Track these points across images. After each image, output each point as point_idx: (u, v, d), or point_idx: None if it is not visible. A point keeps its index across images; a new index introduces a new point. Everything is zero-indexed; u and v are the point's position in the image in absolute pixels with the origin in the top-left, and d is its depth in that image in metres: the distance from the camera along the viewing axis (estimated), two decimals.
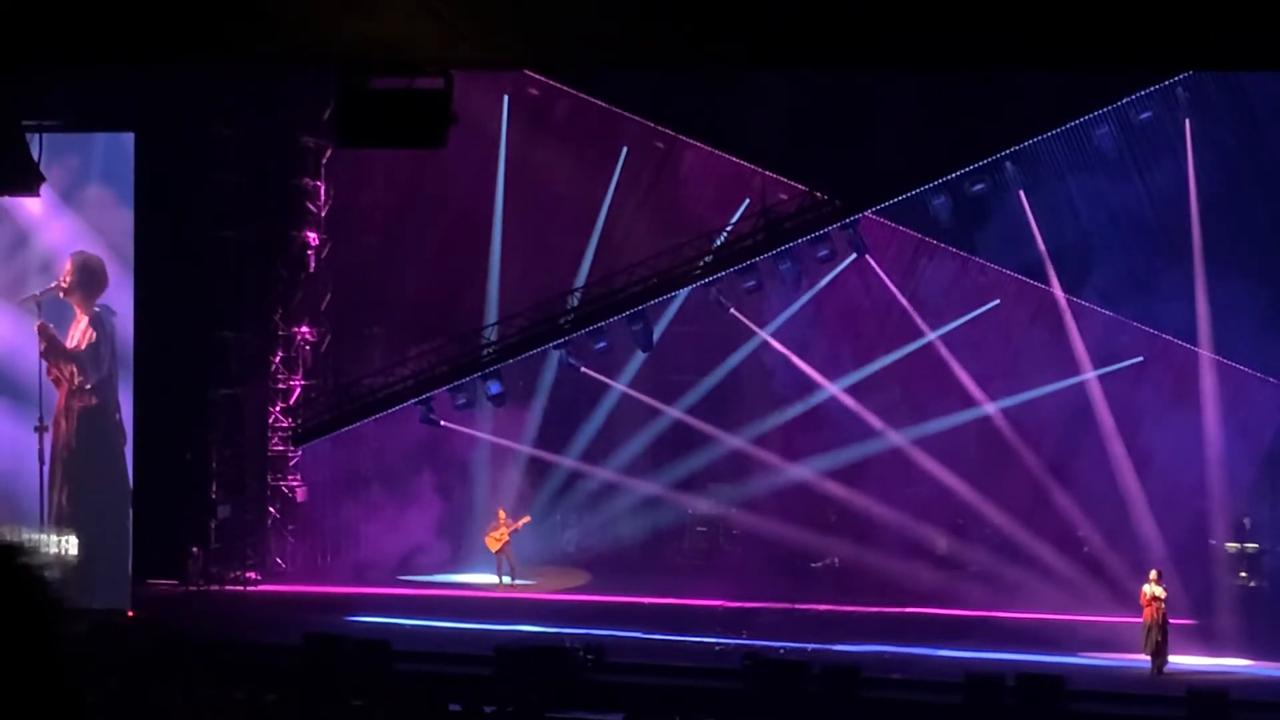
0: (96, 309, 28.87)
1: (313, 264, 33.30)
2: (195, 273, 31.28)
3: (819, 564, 33.14)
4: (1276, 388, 30.14)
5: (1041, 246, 30.91)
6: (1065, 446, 31.54)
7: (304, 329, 33.26)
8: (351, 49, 11.91)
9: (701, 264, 31.65)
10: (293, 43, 12.26)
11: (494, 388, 32.28)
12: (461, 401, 32.45)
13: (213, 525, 31.71)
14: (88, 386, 28.89)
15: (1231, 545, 30.78)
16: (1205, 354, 30.17)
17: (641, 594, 30.73)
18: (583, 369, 32.80)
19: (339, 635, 24.30)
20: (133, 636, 24.14)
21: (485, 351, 32.74)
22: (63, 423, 29.00)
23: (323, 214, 33.29)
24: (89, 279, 28.87)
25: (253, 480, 32.68)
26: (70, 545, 28.38)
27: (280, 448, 33.00)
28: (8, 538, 2.58)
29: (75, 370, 28.89)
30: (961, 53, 12.38)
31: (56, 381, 28.92)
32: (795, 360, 32.93)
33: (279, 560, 32.91)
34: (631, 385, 33.91)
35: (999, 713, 21.54)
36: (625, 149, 33.59)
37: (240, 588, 31.54)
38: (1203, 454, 29.96)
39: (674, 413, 33.88)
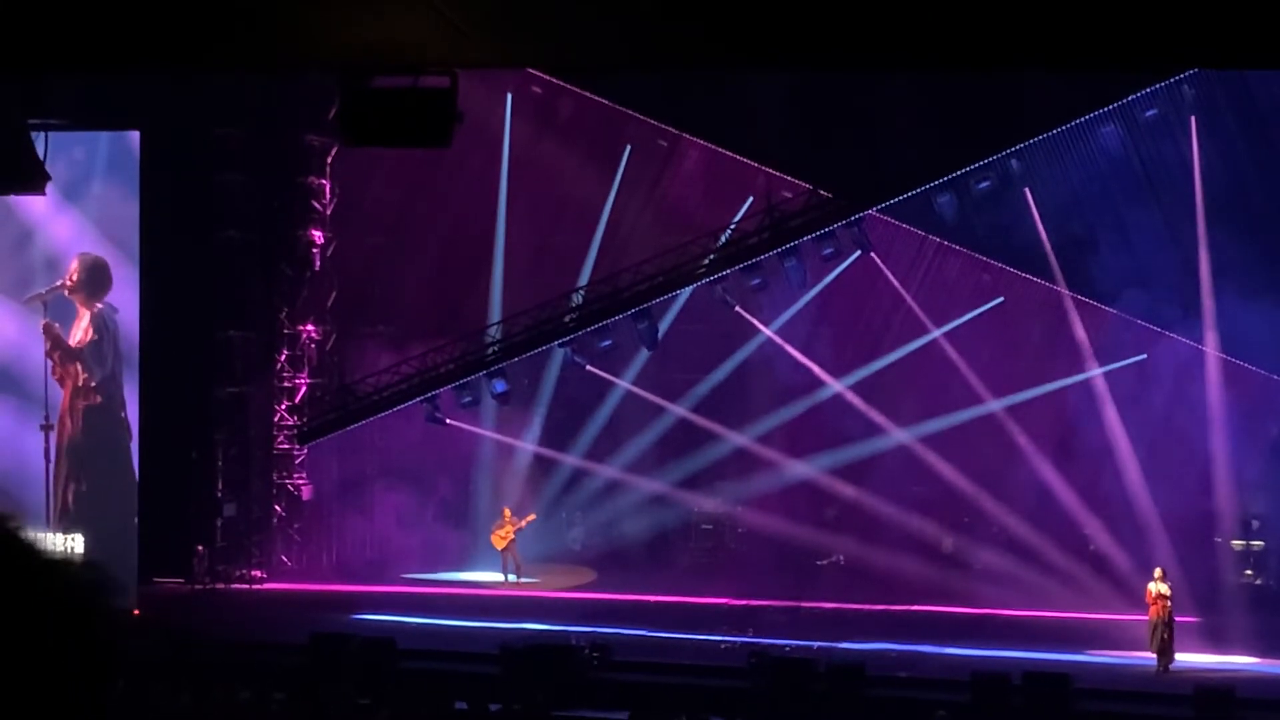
0: (100, 307, 28.89)
1: (318, 262, 33.31)
2: (200, 271, 31.32)
3: (824, 562, 33.13)
4: None
5: (1046, 244, 30.90)
6: (1070, 444, 31.52)
7: (309, 327, 33.26)
8: (356, 51, 11.91)
9: (706, 262, 31.64)
10: (298, 47, 12.27)
11: (499, 386, 32.28)
12: (466, 400, 32.45)
13: (218, 524, 31.74)
14: (92, 385, 28.91)
15: (1237, 543, 30.76)
16: (1211, 351, 30.15)
17: (647, 592, 30.74)
18: (588, 367, 32.79)
19: (345, 634, 24.30)
20: (138, 636, 24.13)
21: (490, 350, 32.75)
22: (68, 421, 29.02)
23: (328, 212, 33.30)
24: (94, 279, 28.88)
25: (258, 479, 32.71)
26: (76, 544, 28.43)
27: (285, 446, 33.02)
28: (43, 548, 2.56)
29: (80, 368, 28.90)
30: (965, 54, 12.37)
31: (61, 380, 28.94)
32: (800, 358, 32.92)
33: (284, 559, 32.93)
34: (636, 383, 33.90)
35: (1005, 711, 21.51)
36: (629, 147, 33.58)
37: (246, 586, 31.58)
38: (1208, 451, 29.95)
39: (679, 410, 33.87)
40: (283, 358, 32.93)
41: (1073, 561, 30.54)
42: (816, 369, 32.86)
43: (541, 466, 34.82)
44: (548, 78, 32.39)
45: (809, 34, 11.31)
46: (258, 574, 31.99)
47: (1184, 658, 24.47)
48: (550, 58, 20.61)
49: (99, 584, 2.44)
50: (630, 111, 32.47)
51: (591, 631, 25.69)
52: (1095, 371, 31.22)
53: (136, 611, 27.72)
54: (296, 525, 33.22)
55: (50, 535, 28.59)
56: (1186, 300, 30.00)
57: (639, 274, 31.86)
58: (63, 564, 2.44)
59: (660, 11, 11.07)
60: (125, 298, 28.90)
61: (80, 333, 28.96)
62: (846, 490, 32.59)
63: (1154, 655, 24.32)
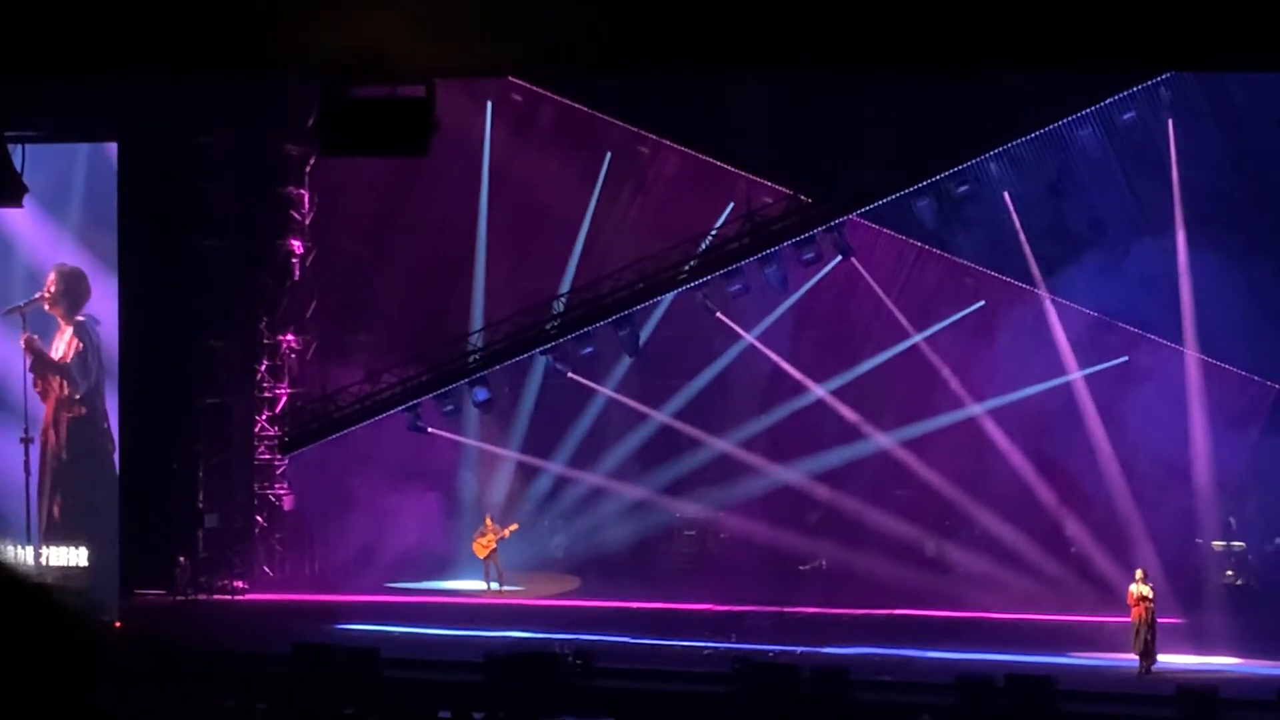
0: (81, 319, 28.84)
1: (297, 272, 33.28)
2: (180, 282, 31.24)
3: (807, 566, 33.14)
4: (1262, 385, 30.21)
5: (1026, 247, 30.96)
6: (1052, 446, 31.56)
7: (289, 337, 33.21)
8: (335, 58, 11.91)
9: (687, 268, 31.66)
10: (275, 53, 12.26)
11: (481, 394, 32.25)
12: (448, 408, 32.42)
13: (200, 534, 31.66)
14: (76, 397, 28.87)
15: (1218, 544, 30.85)
16: (1191, 353, 30.23)
17: (630, 599, 30.71)
18: (569, 374, 32.78)
19: (328, 644, 24.26)
20: (122, 647, 24.07)
21: (471, 358, 32.72)
22: (51, 434, 28.97)
23: (307, 222, 33.26)
24: (72, 290, 28.84)
25: (240, 489, 32.64)
26: (79, 557, 28.54)
27: (267, 456, 32.96)
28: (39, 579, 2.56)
29: (63, 381, 28.85)
30: (946, 56, 12.40)
31: (43, 394, 28.89)
32: (782, 363, 32.94)
33: (267, 569, 32.86)
34: (618, 390, 33.90)
35: (989, 713, 21.55)
36: (609, 154, 33.57)
37: (228, 597, 31.50)
38: (1189, 453, 30.02)
39: (661, 417, 33.87)
40: (263, 368, 32.88)
41: (1055, 563, 30.63)
42: (798, 374, 32.88)
43: (524, 474, 34.80)
44: (527, 86, 32.40)
45: (789, 37, 11.33)
46: (240, 585, 31.91)
47: (1166, 659, 24.53)
48: (529, 66, 20.62)
49: (77, 605, 2.44)
50: (610, 118, 32.47)
51: (575, 639, 25.66)
52: (1076, 374, 31.28)
53: (119, 624, 27.68)
54: (278, 535, 33.16)
55: (45, 549, 28.63)
56: (1166, 302, 30.06)
57: (619, 281, 31.86)
58: (40, 587, 2.44)
59: (640, 18, 11.08)
60: (106, 309, 28.87)
61: (63, 346, 28.91)
62: (829, 495, 32.61)
63: (1136, 657, 24.37)
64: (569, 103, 32.39)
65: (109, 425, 29.01)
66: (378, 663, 23.33)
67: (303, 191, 33.11)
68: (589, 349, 32.16)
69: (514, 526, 32.71)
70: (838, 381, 32.73)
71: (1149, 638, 24.30)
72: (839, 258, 31.34)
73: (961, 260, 31.67)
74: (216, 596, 31.36)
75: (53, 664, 2.39)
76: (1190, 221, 29.90)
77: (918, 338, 32.31)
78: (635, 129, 32.77)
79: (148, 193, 29.73)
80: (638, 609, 29.98)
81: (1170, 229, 30.02)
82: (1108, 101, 29.23)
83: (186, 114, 30.11)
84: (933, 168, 29.90)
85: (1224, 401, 30.17)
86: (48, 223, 28.85)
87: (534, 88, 32.44)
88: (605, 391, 33.97)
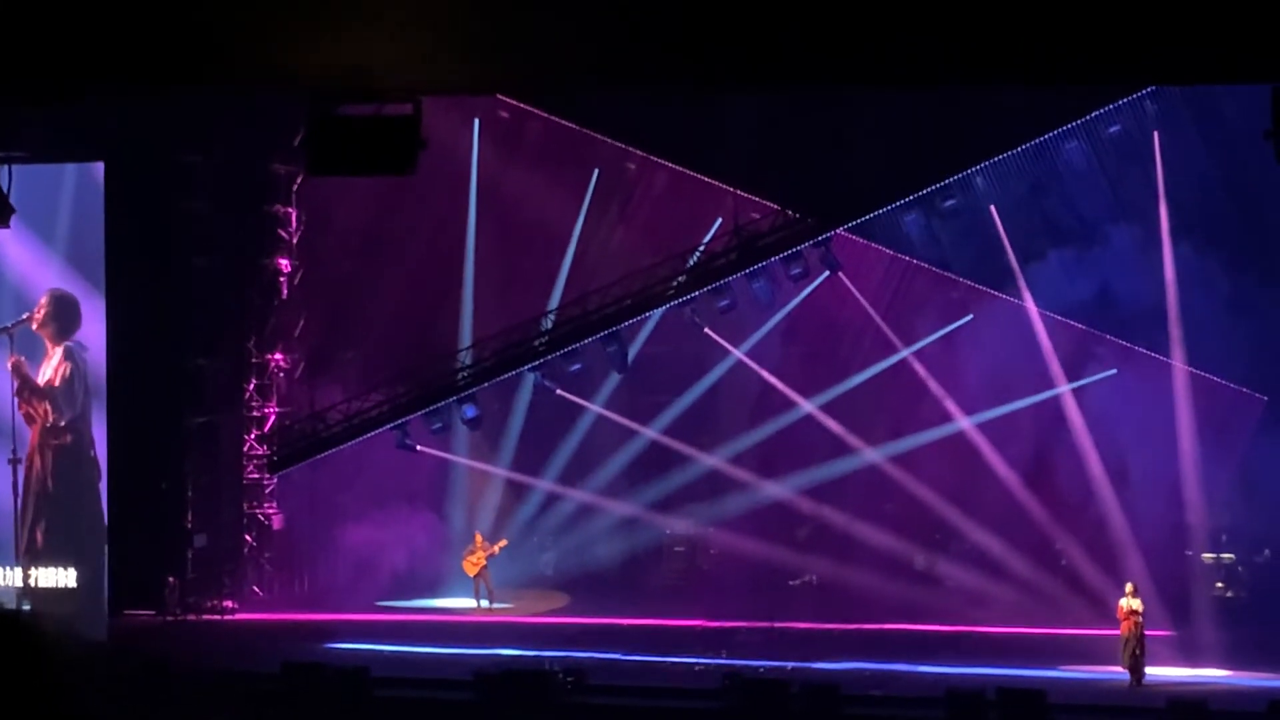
0: (70, 345, 28.74)
1: (285, 290, 33.23)
2: (168, 301, 31.20)
3: (797, 582, 33.12)
4: (1250, 397, 30.24)
5: (1013, 261, 31.00)
6: (1041, 460, 31.58)
7: (277, 356, 33.17)
8: (322, 77, 11.91)
9: (675, 284, 31.66)
10: (263, 71, 12.25)
11: (469, 411, 32.22)
12: (437, 426, 32.39)
13: (189, 555, 31.58)
14: (61, 424, 28.76)
15: (1208, 556, 30.86)
16: (1178, 365, 30.26)
17: (620, 615, 30.66)
18: (558, 391, 32.76)
19: (318, 663, 24.19)
20: (112, 666, 24.00)
21: (460, 375, 32.69)
22: (36, 460, 28.84)
23: (295, 240, 33.23)
24: (63, 315, 28.75)
25: (228, 509, 32.56)
26: (67, 578, 28.53)
27: (255, 475, 32.89)
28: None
29: (49, 408, 28.75)
30: (929, 70, 12.42)
31: (29, 418, 28.77)
32: (770, 379, 32.95)
33: (256, 588, 32.79)
34: (607, 406, 33.89)
35: None
36: (597, 170, 33.60)
37: (217, 617, 31.42)
38: (1178, 465, 30.04)
39: (650, 433, 33.84)
40: (251, 387, 32.82)
41: (1045, 577, 30.61)
42: (787, 389, 32.88)
43: (513, 491, 34.76)
44: (515, 103, 32.41)
45: (781, 51, 11.34)
46: (229, 604, 31.83)
47: (1157, 671, 24.53)
48: (517, 83, 20.62)
49: (56, 631, 2.44)
50: (598, 135, 32.49)
51: (565, 656, 25.64)
52: (1065, 387, 31.31)
53: (108, 644, 27.59)
54: (268, 555, 33.09)
55: (33, 570, 28.57)
56: (1154, 315, 30.11)
57: (608, 297, 31.86)
58: (10, 617, 2.43)
59: (627, 34, 11.08)
60: (93, 330, 28.78)
61: (50, 371, 28.80)
62: (818, 510, 32.59)
63: (1126, 670, 24.37)
64: (557, 119, 32.40)
65: (95, 453, 28.90)
66: (367, 681, 23.28)
67: (291, 210, 33.09)
68: (577, 365, 32.15)
69: (503, 543, 32.66)
70: (827, 396, 32.73)
71: (1138, 651, 24.30)
72: (827, 273, 31.36)
73: (949, 274, 31.70)
74: (206, 616, 31.27)
75: (31, 691, 2.38)
76: (1177, 233, 29.95)
77: (906, 352, 32.33)
78: (623, 145, 32.79)
79: (135, 212, 29.67)
80: (628, 626, 29.93)
81: (1157, 241, 30.07)
82: (1093, 115, 29.29)
83: (174, 132, 30.06)
84: (920, 182, 29.94)
85: (1212, 413, 30.20)
86: (34, 243, 28.78)
87: (521, 105, 32.46)
88: (594, 408, 33.95)
